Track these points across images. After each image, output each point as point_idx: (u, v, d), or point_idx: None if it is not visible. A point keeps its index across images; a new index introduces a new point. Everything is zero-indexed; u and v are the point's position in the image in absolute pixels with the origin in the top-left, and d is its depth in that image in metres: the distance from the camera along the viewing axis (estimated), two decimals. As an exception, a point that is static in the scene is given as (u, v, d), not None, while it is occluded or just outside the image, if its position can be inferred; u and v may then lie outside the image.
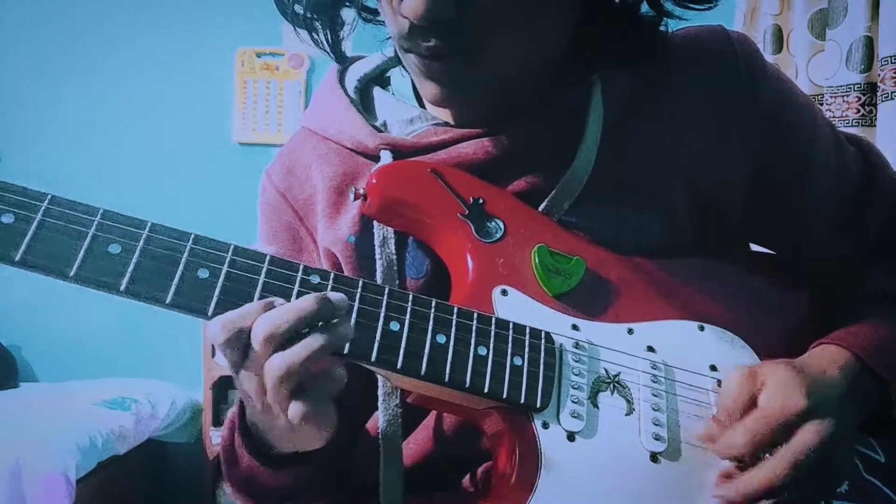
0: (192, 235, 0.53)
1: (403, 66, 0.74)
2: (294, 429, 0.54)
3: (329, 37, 0.72)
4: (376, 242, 0.67)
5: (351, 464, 0.73)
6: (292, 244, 0.74)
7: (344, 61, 0.76)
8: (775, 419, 0.57)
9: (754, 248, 0.79)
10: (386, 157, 0.68)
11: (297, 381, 0.51)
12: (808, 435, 0.57)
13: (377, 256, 0.67)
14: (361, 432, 0.74)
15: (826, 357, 0.64)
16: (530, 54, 0.63)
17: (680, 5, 0.65)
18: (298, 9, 0.70)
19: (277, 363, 0.50)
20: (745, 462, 0.58)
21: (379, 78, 0.78)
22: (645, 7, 0.66)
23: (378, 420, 0.67)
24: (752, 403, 0.59)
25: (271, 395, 0.52)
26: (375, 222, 0.67)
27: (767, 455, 0.57)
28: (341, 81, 0.75)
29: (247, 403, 0.57)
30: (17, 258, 0.49)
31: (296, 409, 0.51)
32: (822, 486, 0.60)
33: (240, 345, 0.51)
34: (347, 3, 0.70)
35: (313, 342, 0.50)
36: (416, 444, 0.70)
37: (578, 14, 0.63)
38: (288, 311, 0.50)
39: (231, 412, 0.67)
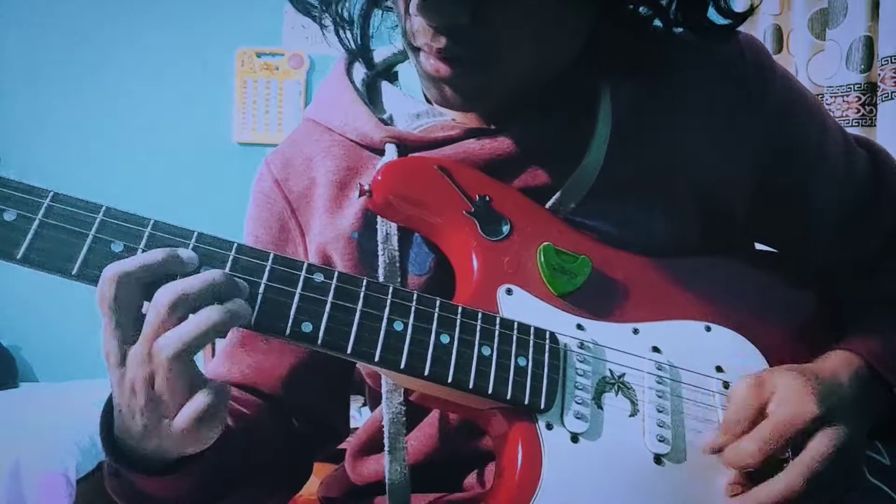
0: (196, 234, 0.53)
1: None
2: (178, 430, 0.51)
3: (356, 36, 0.71)
4: (379, 238, 0.67)
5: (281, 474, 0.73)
6: (278, 233, 0.73)
7: (372, 66, 0.75)
8: (787, 428, 0.56)
9: (760, 247, 0.79)
10: (391, 151, 0.67)
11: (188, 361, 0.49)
12: (822, 442, 0.56)
13: (380, 252, 0.66)
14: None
15: (836, 362, 0.64)
16: (541, 68, 0.62)
17: (698, 36, 0.64)
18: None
19: (171, 339, 0.48)
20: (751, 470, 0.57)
21: (387, 72, 0.77)
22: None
23: (375, 417, 0.66)
24: (760, 412, 0.58)
25: (162, 381, 0.49)
26: (379, 218, 0.67)
27: (785, 461, 0.57)
28: (349, 74, 0.75)
29: (123, 403, 0.52)
30: (20, 256, 0.49)
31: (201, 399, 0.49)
32: (834, 490, 0.58)
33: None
34: None
35: (208, 316, 0.49)
36: (418, 442, 0.70)
37: (591, 28, 0.62)
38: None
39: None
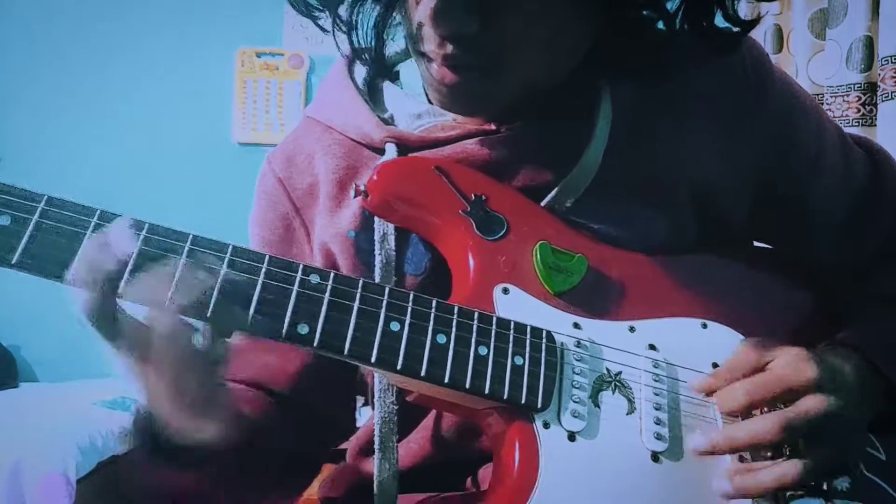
0: (191, 236, 0.52)
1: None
2: (190, 409, 0.52)
3: (367, 39, 0.70)
4: (376, 238, 0.67)
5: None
6: (283, 233, 0.73)
7: (388, 75, 0.75)
8: (779, 382, 0.57)
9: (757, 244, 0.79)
10: (391, 151, 0.67)
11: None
12: (811, 402, 0.56)
13: (376, 252, 0.66)
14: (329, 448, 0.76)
15: (836, 353, 0.64)
16: (547, 73, 0.62)
17: (706, 43, 0.64)
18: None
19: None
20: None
21: (388, 71, 0.76)
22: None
23: (374, 417, 0.66)
24: (759, 368, 0.59)
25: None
26: (376, 218, 0.66)
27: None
28: (350, 72, 0.74)
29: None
30: (14, 261, 0.48)
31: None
32: (826, 464, 0.57)
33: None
34: None
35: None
36: (415, 444, 0.70)
37: (595, 32, 0.62)
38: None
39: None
